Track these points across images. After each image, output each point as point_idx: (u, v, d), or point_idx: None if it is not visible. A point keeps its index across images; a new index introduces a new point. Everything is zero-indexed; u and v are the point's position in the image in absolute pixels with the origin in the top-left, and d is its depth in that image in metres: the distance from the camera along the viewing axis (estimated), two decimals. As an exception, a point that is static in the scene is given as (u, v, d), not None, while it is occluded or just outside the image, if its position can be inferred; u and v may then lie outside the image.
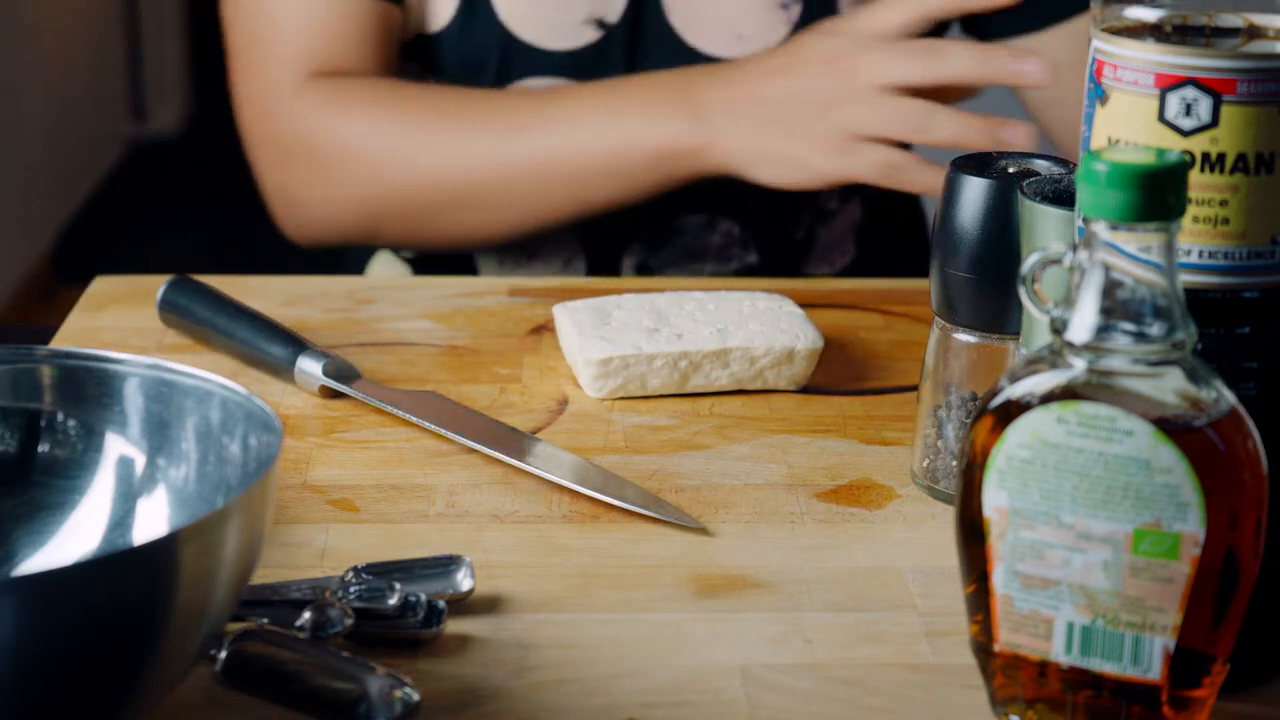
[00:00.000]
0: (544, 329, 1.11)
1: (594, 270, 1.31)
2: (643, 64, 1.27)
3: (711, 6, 1.26)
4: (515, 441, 0.94)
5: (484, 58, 1.27)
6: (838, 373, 1.05)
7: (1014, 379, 0.70)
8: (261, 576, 0.81)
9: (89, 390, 0.76)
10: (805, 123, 1.15)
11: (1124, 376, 0.68)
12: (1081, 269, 0.68)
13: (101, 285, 1.17)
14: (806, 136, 1.15)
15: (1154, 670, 0.69)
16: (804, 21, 1.26)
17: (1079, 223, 0.69)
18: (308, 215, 1.26)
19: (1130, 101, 0.72)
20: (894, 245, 1.38)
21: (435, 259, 1.35)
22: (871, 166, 1.14)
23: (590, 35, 1.27)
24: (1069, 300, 0.68)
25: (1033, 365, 0.69)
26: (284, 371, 1.02)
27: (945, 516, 0.89)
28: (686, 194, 1.25)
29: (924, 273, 1.03)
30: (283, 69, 1.24)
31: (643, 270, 1.31)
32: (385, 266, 1.38)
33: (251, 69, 1.26)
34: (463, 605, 0.80)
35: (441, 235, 1.25)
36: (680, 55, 1.26)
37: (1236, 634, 0.69)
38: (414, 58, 1.30)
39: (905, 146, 1.16)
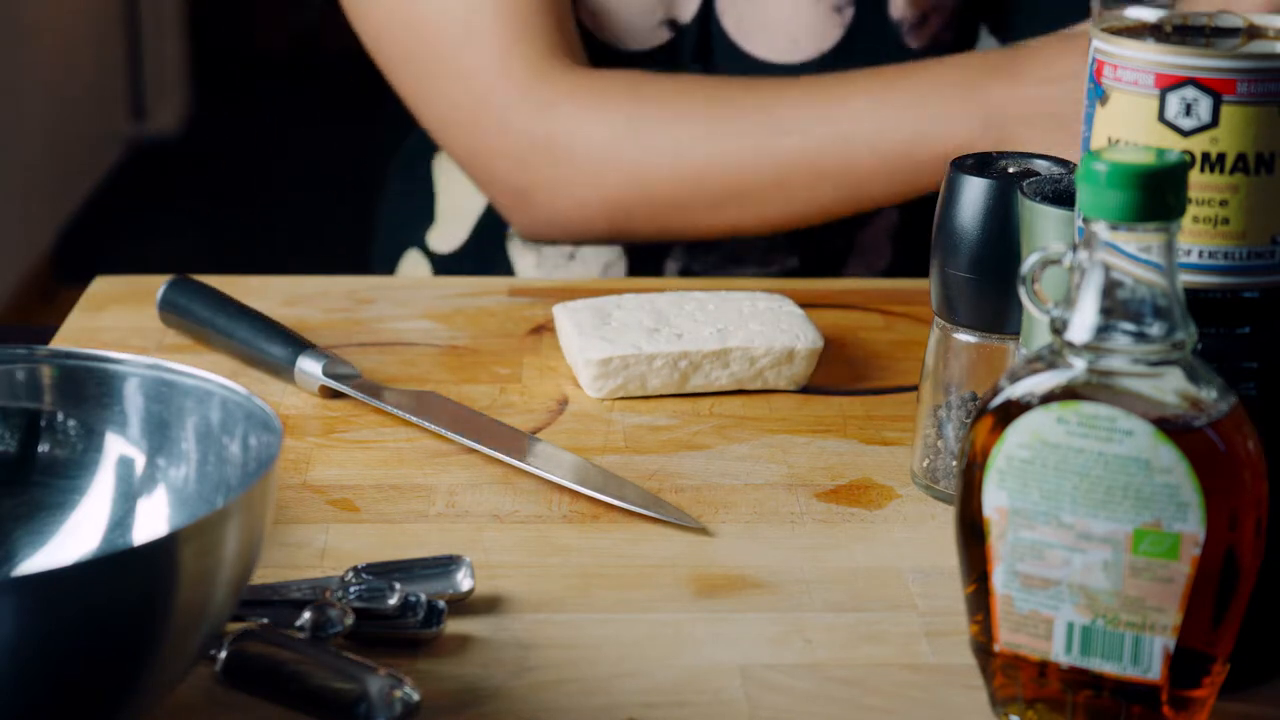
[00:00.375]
0: (544, 329, 1.11)
1: (635, 274, 1.30)
2: (711, 68, 1.26)
3: (765, 10, 1.26)
4: (515, 441, 0.94)
5: None
6: (838, 373, 1.05)
7: (1014, 379, 0.70)
8: (261, 576, 0.81)
9: (89, 390, 0.76)
10: None
11: (1124, 376, 0.68)
12: (1081, 269, 0.68)
13: (101, 285, 1.17)
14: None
15: (1154, 670, 0.69)
16: (857, 24, 1.26)
17: (1079, 223, 0.69)
18: (551, 216, 1.21)
19: (1130, 101, 0.72)
20: (928, 247, 1.38)
21: (467, 261, 1.34)
22: None
23: (664, 36, 1.26)
24: (1069, 300, 0.68)
25: (1033, 365, 0.69)
26: (284, 371, 1.02)
27: (945, 516, 0.89)
28: None
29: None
30: (498, 62, 1.18)
31: (685, 274, 1.30)
32: (414, 265, 1.38)
33: (455, 71, 1.20)
34: (463, 605, 0.80)
35: (695, 232, 1.21)
36: (739, 59, 1.26)
37: (1236, 634, 0.69)
38: None
39: None
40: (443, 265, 1.37)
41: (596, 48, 1.26)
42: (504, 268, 1.33)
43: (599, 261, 1.30)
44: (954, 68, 1.16)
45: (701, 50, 1.27)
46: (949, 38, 1.30)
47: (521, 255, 1.32)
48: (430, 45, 1.21)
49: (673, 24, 1.26)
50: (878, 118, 1.15)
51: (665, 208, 1.18)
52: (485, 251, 1.33)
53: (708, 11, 1.26)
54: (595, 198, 1.19)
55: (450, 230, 1.36)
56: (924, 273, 1.32)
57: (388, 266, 1.40)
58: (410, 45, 1.22)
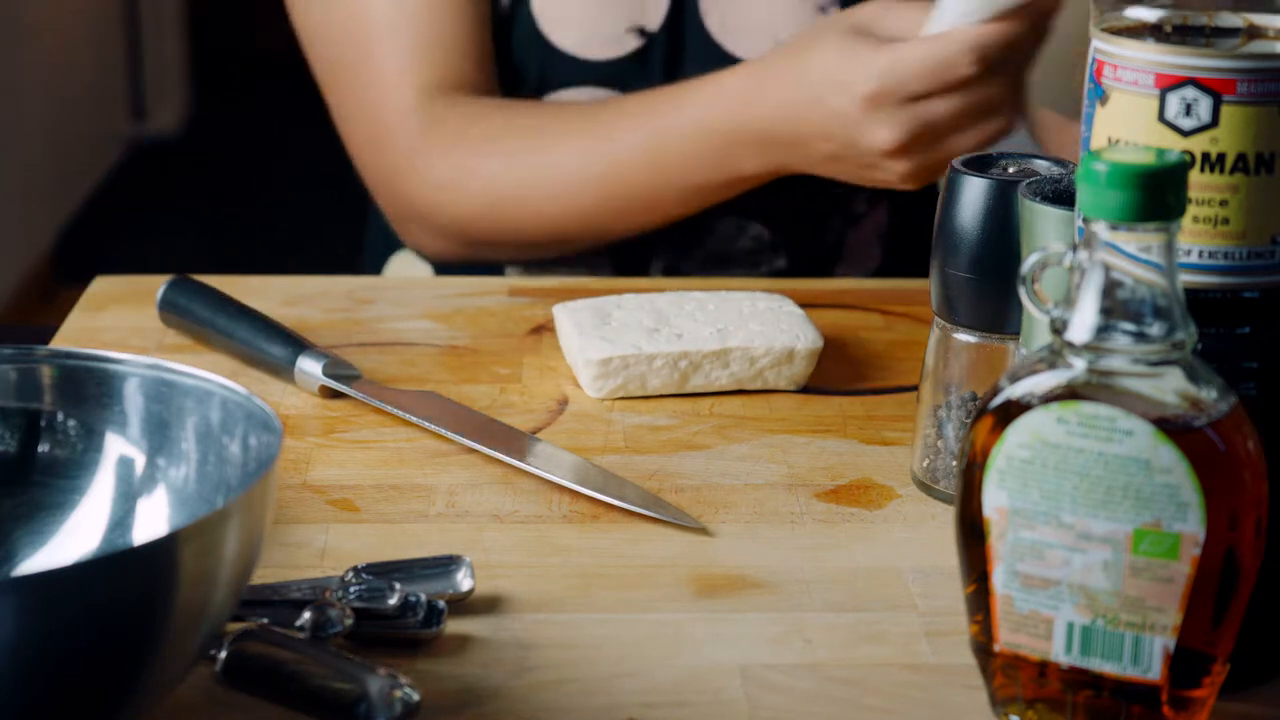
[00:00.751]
0: (544, 329, 1.11)
1: (621, 273, 1.31)
2: (683, 73, 1.26)
3: (748, 11, 1.26)
4: (515, 441, 0.95)
5: (524, 65, 1.27)
6: (838, 373, 1.05)
7: (1014, 379, 0.70)
8: (261, 576, 0.81)
9: (89, 390, 0.76)
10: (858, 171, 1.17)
11: (1124, 376, 0.68)
12: (1081, 269, 0.68)
13: (101, 285, 1.18)
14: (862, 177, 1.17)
15: (1154, 670, 0.69)
16: None
17: (1079, 223, 0.69)
18: (414, 240, 1.28)
19: (1130, 101, 0.72)
20: (920, 249, 1.38)
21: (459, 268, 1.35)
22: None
23: (631, 44, 1.26)
24: (1069, 300, 0.68)
25: (1033, 365, 0.69)
26: (284, 371, 1.02)
27: (945, 516, 0.89)
28: None
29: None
30: (390, 87, 1.23)
31: (669, 274, 1.30)
32: (405, 266, 1.38)
33: (356, 95, 1.26)
34: (463, 605, 0.80)
35: (534, 256, 1.28)
36: (718, 61, 1.26)
37: (1236, 634, 0.69)
38: None
39: None
40: (439, 269, 1.37)
41: (558, 57, 1.26)
42: (495, 269, 1.33)
43: (584, 262, 1.30)
44: (720, 127, 1.18)
45: (673, 58, 1.26)
46: None
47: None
48: (345, 54, 1.25)
49: (641, 31, 1.26)
50: (662, 169, 1.19)
51: (499, 244, 1.25)
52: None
53: (678, 17, 1.26)
54: (447, 238, 1.25)
55: None
56: (913, 274, 1.32)
57: (377, 266, 1.40)
58: (332, 51, 1.26)
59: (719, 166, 1.19)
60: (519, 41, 1.26)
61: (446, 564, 0.81)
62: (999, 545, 0.70)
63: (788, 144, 1.16)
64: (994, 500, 0.69)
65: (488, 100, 1.25)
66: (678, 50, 1.27)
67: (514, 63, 1.27)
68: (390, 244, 1.39)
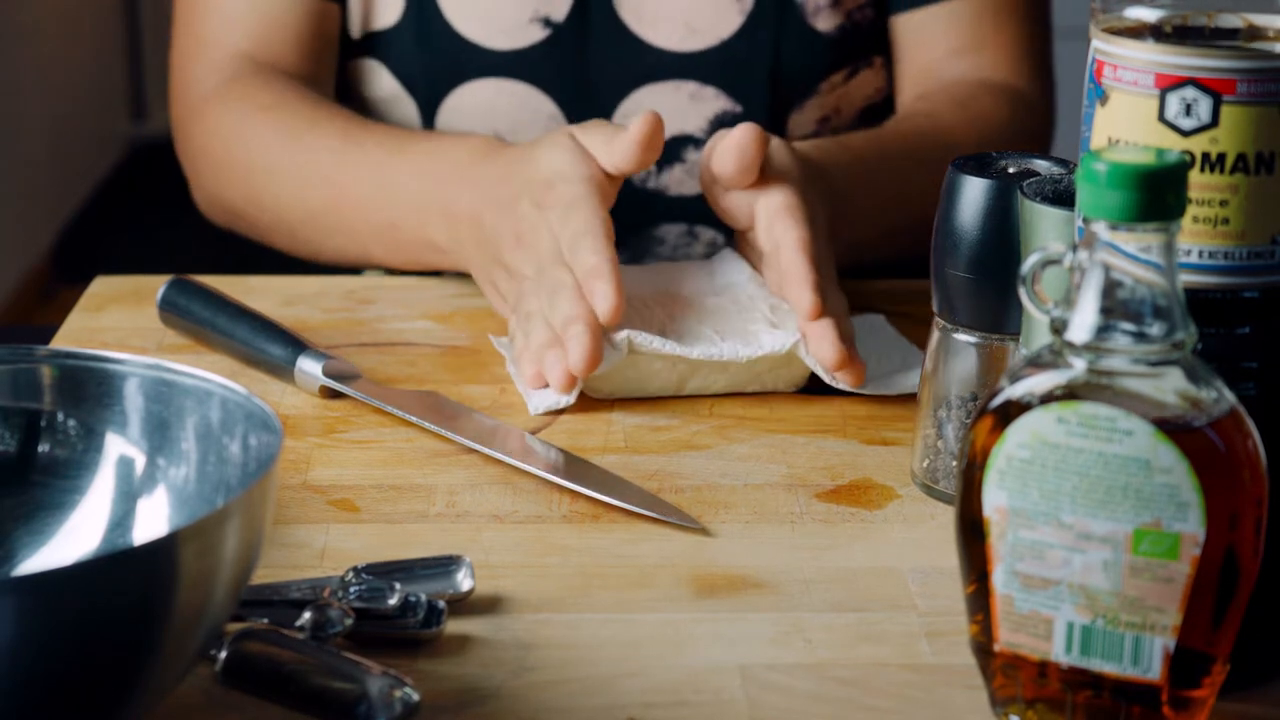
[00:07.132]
0: (544, 329, 1.11)
1: None
2: (594, 62, 1.26)
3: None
4: (515, 441, 0.95)
5: (435, 57, 1.26)
6: (838, 373, 1.05)
7: (1014, 379, 0.70)
8: (261, 576, 0.81)
9: (89, 390, 0.76)
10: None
11: (1124, 376, 0.68)
12: (1081, 269, 0.68)
13: (101, 285, 1.18)
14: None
15: (1154, 670, 0.69)
16: (757, 12, 1.25)
17: (1079, 223, 0.69)
18: (195, 194, 1.32)
19: (1130, 101, 0.72)
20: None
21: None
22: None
23: (536, 34, 1.26)
24: (1069, 300, 0.68)
25: (1033, 365, 0.69)
26: (284, 371, 1.02)
27: (945, 516, 0.89)
28: (664, 205, 1.25)
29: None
30: (204, 48, 1.27)
31: None
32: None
33: (184, 39, 1.30)
34: (463, 605, 0.80)
35: (271, 245, 1.28)
36: (631, 50, 1.25)
37: (1236, 634, 0.69)
38: (370, 54, 1.29)
39: None
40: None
41: (467, 48, 1.25)
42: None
43: None
44: (441, 158, 1.15)
45: (582, 47, 1.26)
46: (870, 14, 1.29)
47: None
48: (186, 3, 1.30)
49: (546, 21, 1.25)
50: (378, 192, 1.17)
51: (244, 212, 1.27)
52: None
53: (591, 5, 1.25)
54: (210, 184, 1.28)
55: None
56: (877, 276, 1.32)
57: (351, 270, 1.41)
58: (178, 15, 1.31)
59: (413, 224, 1.15)
60: (427, 30, 1.25)
61: (446, 564, 0.81)
62: (999, 545, 0.70)
63: (472, 227, 1.11)
64: (994, 500, 0.69)
65: (292, 83, 1.25)
66: (587, 41, 1.26)
67: (425, 52, 1.26)
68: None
